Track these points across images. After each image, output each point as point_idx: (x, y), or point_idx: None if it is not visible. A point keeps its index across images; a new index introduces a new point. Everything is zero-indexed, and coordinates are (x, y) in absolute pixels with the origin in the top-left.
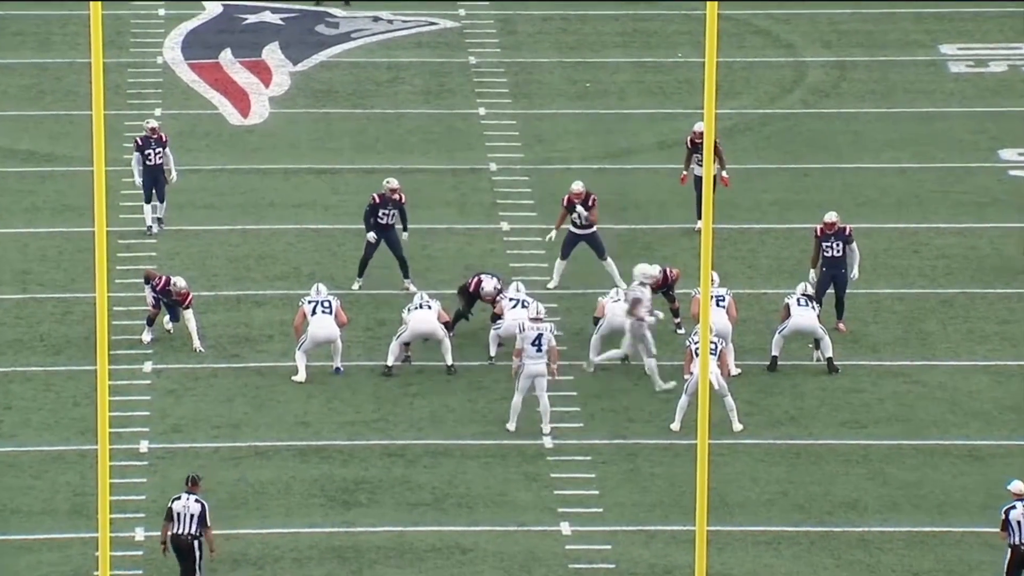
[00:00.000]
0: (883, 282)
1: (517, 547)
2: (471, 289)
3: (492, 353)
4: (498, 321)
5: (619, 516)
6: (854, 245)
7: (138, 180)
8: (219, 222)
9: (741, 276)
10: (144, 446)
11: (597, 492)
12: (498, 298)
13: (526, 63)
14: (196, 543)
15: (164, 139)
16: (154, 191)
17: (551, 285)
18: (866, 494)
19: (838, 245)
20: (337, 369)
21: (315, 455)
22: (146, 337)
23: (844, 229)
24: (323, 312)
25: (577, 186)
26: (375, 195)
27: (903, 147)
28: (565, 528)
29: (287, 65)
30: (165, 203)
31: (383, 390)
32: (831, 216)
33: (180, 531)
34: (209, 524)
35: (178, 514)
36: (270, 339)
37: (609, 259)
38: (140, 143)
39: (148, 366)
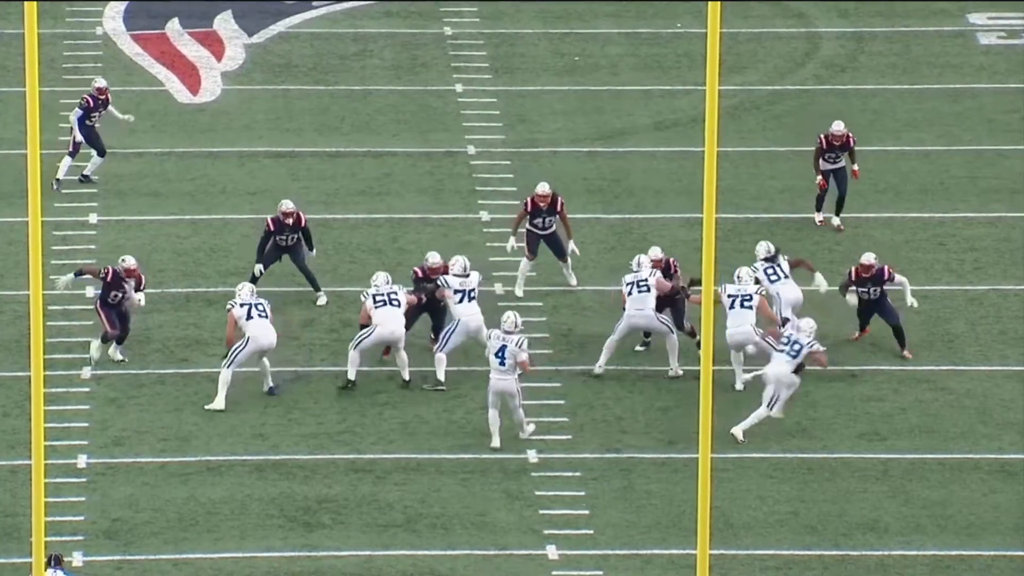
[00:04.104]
0: (905, 278)
1: (498, 573)
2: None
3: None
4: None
5: (611, 538)
6: (898, 278)
7: (79, 137)
8: (166, 211)
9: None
10: (82, 461)
11: (587, 512)
12: (440, 279)
13: (508, 34)
14: None
15: (108, 99)
16: (95, 150)
17: (519, 293)
18: (886, 514)
19: (875, 290)
20: (271, 389)
21: (273, 471)
22: (95, 354)
23: (882, 272)
24: (259, 316)
25: (543, 188)
26: (269, 219)
27: (927, 127)
28: (551, 552)
29: (241, 36)
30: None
31: (348, 399)
32: (868, 258)
33: None
34: None
35: None
36: (222, 342)
37: (569, 263)
38: (91, 103)
39: (87, 372)
